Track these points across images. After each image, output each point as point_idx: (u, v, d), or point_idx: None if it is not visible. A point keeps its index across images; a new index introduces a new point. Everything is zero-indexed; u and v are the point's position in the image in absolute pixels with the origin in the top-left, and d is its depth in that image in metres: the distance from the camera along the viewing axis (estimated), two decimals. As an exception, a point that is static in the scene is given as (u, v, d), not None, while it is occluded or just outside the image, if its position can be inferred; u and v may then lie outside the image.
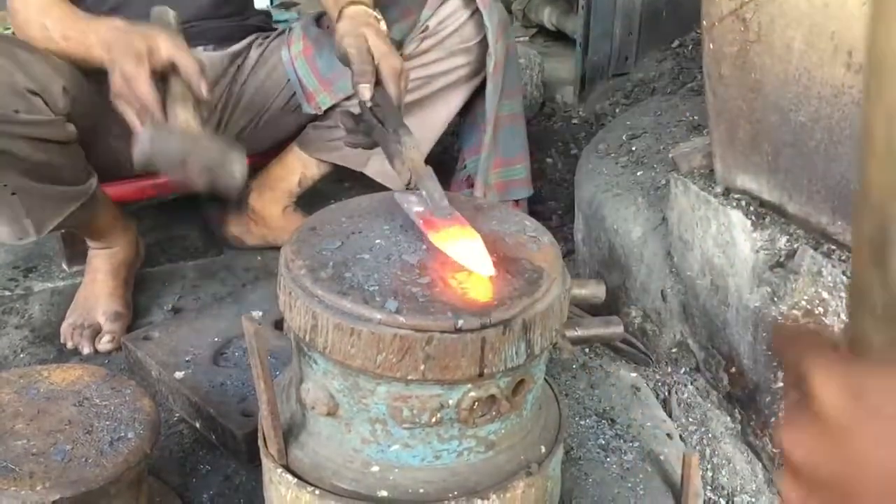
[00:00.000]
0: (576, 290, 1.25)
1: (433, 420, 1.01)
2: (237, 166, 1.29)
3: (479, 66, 1.86)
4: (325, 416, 1.05)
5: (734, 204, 1.37)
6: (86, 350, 1.69)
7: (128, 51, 1.34)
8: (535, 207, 2.20)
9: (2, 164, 1.41)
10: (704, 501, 1.38)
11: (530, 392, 1.09)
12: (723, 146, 1.41)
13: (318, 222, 1.13)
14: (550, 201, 2.21)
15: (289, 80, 1.92)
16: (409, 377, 0.97)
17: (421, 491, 1.03)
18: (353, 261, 1.03)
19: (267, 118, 1.95)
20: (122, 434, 1.11)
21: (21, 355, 1.70)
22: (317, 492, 1.04)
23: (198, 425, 1.46)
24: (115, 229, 1.78)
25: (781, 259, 1.29)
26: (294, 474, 1.06)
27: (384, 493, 1.03)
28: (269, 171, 2.04)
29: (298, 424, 1.10)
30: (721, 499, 1.39)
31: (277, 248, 2.12)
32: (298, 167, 1.99)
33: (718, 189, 1.43)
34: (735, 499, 1.39)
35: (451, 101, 1.90)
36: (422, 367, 0.96)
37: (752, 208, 1.36)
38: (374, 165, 1.91)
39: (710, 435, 1.45)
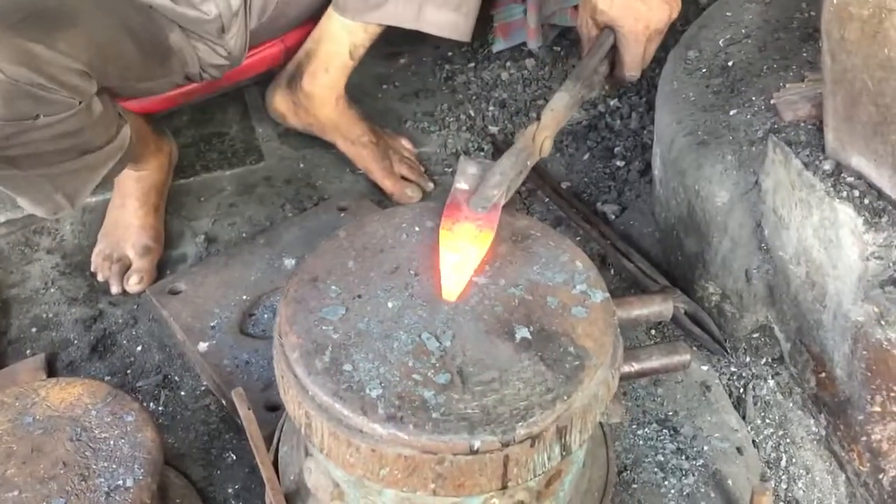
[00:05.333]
0: (638, 311, 1.06)
1: (449, 526, 0.88)
2: None
3: None
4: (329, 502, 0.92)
5: (844, 194, 1.11)
6: (114, 289, 1.59)
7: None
8: (613, 102, 1.92)
9: (23, 163, 1.27)
10: (775, 517, 1.24)
11: (568, 476, 0.93)
12: (837, 119, 1.12)
13: (321, 268, 0.94)
14: (632, 95, 1.91)
15: None
16: (418, 492, 0.82)
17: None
18: (356, 342, 0.86)
19: None
20: (121, 482, 1.02)
21: (52, 289, 1.62)
22: (324, 574, 0.94)
23: (224, 402, 1.36)
24: (147, 151, 1.62)
25: (897, 273, 1.06)
26: (302, 547, 0.96)
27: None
28: (315, 50, 1.78)
29: (306, 489, 0.98)
30: (794, 514, 1.24)
31: (323, 143, 1.88)
32: (345, 36, 1.72)
33: (826, 166, 1.15)
34: (810, 514, 1.24)
35: None
36: (432, 486, 0.81)
37: (866, 201, 1.10)
38: (428, 16, 1.63)
39: (788, 440, 1.28)
